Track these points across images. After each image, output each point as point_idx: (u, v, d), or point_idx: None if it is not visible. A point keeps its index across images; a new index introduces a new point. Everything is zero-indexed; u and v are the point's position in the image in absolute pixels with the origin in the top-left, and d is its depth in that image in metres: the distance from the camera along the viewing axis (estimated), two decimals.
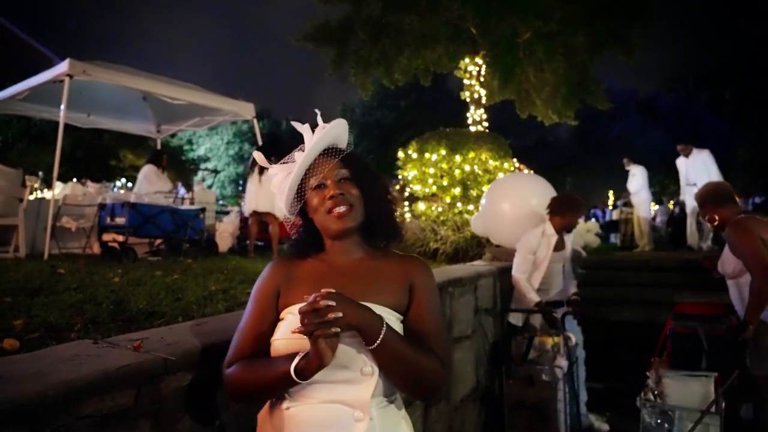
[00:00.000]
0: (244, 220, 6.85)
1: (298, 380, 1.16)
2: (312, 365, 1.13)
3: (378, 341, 1.18)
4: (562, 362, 3.53)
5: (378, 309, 1.29)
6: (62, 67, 5.78)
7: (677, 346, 2.93)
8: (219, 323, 1.86)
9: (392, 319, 1.33)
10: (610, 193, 31.68)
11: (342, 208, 1.34)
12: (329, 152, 1.40)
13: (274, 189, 1.44)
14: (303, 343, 1.18)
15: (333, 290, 1.15)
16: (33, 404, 1.08)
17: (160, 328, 1.84)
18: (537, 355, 3.63)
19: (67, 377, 1.18)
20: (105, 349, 1.45)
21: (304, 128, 1.41)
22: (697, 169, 7.70)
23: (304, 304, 1.12)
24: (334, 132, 1.41)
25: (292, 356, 1.18)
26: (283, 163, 1.43)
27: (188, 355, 1.47)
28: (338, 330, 1.11)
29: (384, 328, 1.19)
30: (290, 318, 1.30)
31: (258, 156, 1.53)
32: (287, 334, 1.26)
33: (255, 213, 6.29)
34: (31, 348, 1.78)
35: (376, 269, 1.41)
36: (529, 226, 4.19)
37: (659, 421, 2.78)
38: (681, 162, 8.24)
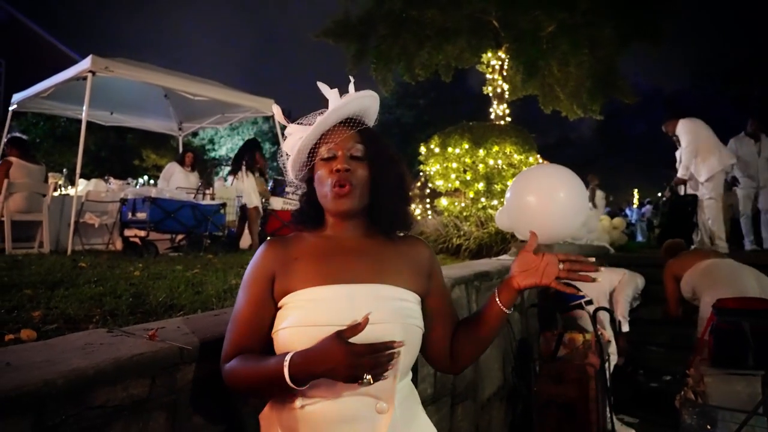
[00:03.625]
0: (264, 217, 6.83)
1: (293, 386, 1.06)
2: (318, 370, 1.04)
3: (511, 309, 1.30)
4: (594, 360, 3.38)
5: (398, 291, 1.23)
6: (85, 63, 5.81)
7: (720, 342, 2.76)
8: None
9: (413, 301, 1.26)
10: (635, 192, 31.16)
11: (345, 187, 1.24)
12: (349, 123, 1.29)
13: (285, 148, 1.35)
14: (312, 332, 1.10)
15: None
16: (41, 392, 1.01)
17: (176, 318, 1.78)
18: (567, 352, 3.49)
19: (77, 365, 1.12)
20: (119, 338, 1.39)
21: (331, 92, 1.31)
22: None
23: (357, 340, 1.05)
24: (360, 102, 1.31)
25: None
26: (301, 123, 1.33)
27: (205, 345, 1.40)
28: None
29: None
30: (300, 304, 1.18)
31: (276, 110, 1.47)
32: (296, 322, 1.15)
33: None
34: (48, 339, 1.74)
35: (386, 249, 1.31)
36: (558, 220, 4.03)
37: (701, 422, 2.62)
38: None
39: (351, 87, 1.30)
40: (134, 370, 1.21)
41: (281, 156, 1.37)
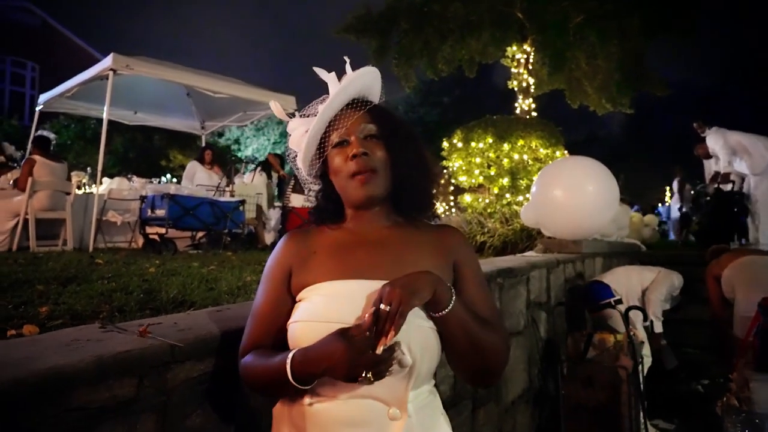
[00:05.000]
0: (285, 215, 6.78)
1: (296, 384, 1.00)
2: (317, 369, 0.98)
3: (448, 308, 1.03)
4: (627, 362, 3.19)
5: None
6: (106, 62, 5.86)
7: (767, 345, 2.56)
8: (241, 310, 1.69)
9: None
10: (667, 189, 30.29)
11: (366, 174, 1.14)
12: (355, 104, 1.19)
13: (292, 146, 1.26)
14: (320, 328, 1.02)
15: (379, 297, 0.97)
16: (11, 392, 0.92)
17: (176, 314, 1.69)
18: (597, 353, 3.31)
19: (55, 363, 1.02)
20: (109, 334, 1.29)
21: (329, 77, 1.21)
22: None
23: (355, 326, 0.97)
24: (362, 81, 1.20)
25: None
26: (303, 116, 1.23)
27: (200, 342, 1.30)
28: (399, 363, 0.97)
29: (454, 294, 1.05)
30: (313, 298, 1.10)
31: (274, 106, 1.35)
32: (306, 317, 1.08)
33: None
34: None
35: (410, 240, 1.20)
36: (586, 215, 3.86)
37: (746, 430, 2.43)
38: None
39: (348, 67, 1.20)
40: (119, 368, 1.11)
41: (288, 154, 1.29)
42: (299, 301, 1.14)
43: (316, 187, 1.31)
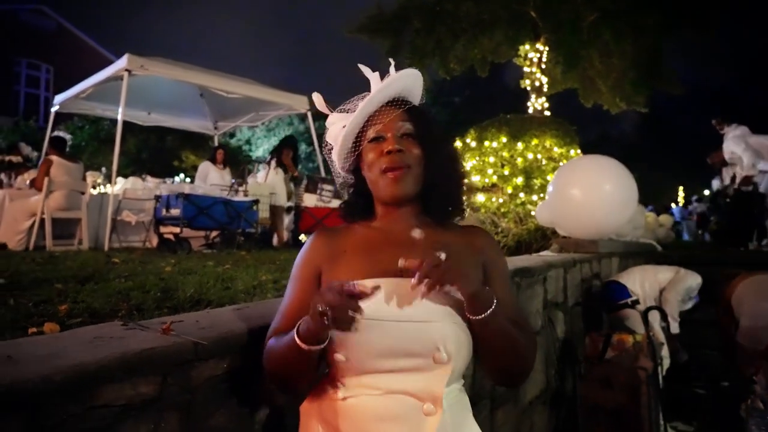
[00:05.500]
0: (297, 214, 6.79)
1: (303, 345, 1.01)
2: (309, 330, 1.01)
3: (489, 311, 1.02)
4: (646, 363, 3.14)
5: (446, 286, 1.08)
6: (121, 62, 5.90)
7: None
8: (261, 308, 1.68)
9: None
10: (680, 189, 29.99)
11: (399, 170, 1.15)
12: (395, 103, 1.21)
13: (329, 138, 1.27)
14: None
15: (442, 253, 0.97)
16: (36, 390, 0.91)
17: (197, 312, 1.68)
18: (616, 354, 3.26)
19: (80, 360, 1.01)
20: (132, 332, 1.29)
21: (372, 75, 1.23)
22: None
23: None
24: (404, 82, 1.22)
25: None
26: (342, 111, 1.25)
27: (223, 340, 1.28)
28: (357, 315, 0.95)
29: (495, 299, 1.04)
30: None
31: (317, 98, 1.31)
32: None
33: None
34: None
35: (439, 240, 1.18)
36: (603, 214, 3.81)
37: None
38: None
39: (392, 69, 1.22)
40: (143, 366, 1.10)
41: (325, 146, 1.30)
42: None
43: (347, 182, 1.32)
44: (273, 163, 6.75)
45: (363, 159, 1.22)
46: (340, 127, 1.23)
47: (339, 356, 1.06)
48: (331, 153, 1.29)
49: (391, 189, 1.16)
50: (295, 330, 1.04)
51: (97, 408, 1.02)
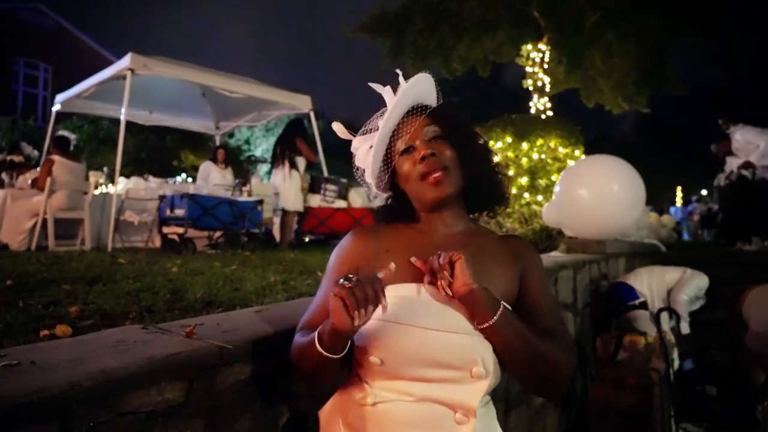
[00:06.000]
0: (301, 214, 6.74)
1: (320, 350, 1.00)
2: (326, 328, 0.99)
3: (494, 318, 1.00)
4: (659, 364, 3.12)
5: None
6: (124, 61, 5.85)
7: None
8: (281, 310, 1.66)
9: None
10: (678, 189, 30.05)
11: (438, 173, 1.13)
12: (415, 111, 1.19)
13: (358, 163, 1.26)
14: (395, 327, 1.03)
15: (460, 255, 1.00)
16: (66, 396, 0.88)
17: (216, 315, 1.66)
18: (627, 355, 3.24)
19: (107, 365, 0.99)
20: (154, 335, 1.26)
21: (384, 90, 1.21)
22: None
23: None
24: (418, 89, 1.20)
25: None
26: (364, 133, 1.23)
27: (248, 343, 1.26)
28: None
29: (501, 306, 1.02)
30: (388, 296, 1.05)
31: (338, 127, 1.28)
32: (379, 315, 1.04)
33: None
34: (83, 335, 1.65)
35: (482, 248, 1.17)
36: (611, 214, 3.79)
37: None
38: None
39: (401, 79, 1.21)
40: (170, 371, 1.08)
41: (356, 171, 1.28)
42: None
43: (384, 195, 1.31)
44: (287, 164, 6.33)
45: (398, 174, 1.21)
46: (366, 149, 1.22)
47: (374, 359, 1.04)
48: (364, 177, 1.27)
49: (434, 192, 1.15)
50: (316, 336, 1.02)
51: (124, 415, 1.00)
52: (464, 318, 1.03)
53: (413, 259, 1.08)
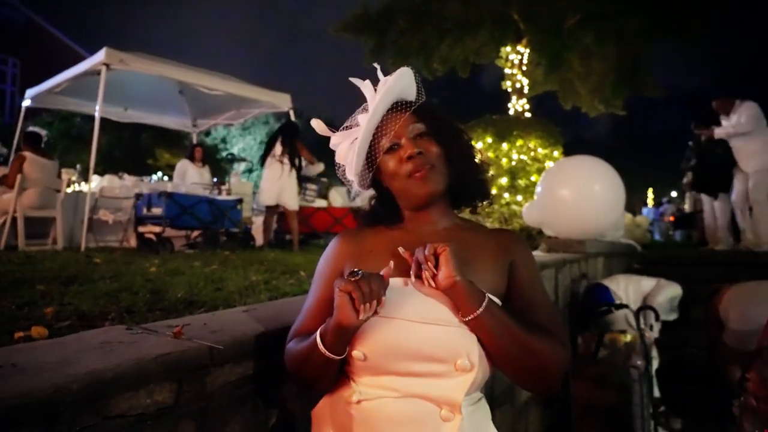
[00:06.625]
0: (281, 214, 6.66)
1: (323, 350, 1.01)
2: (329, 324, 1.00)
3: (479, 310, 0.99)
4: (639, 361, 3.17)
5: None
6: (99, 56, 5.71)
7: None
8: (269, 310, 1.64)
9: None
10: (650, 191, 30.79)
11: (423, 170, 1.12)
12: (398, 107, 1.18)
13: (339, 160, 1.23)
14: (387, 322, 1.02)
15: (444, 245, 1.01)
16: (52, 400, 0.85)
17: (202, 315, 1.62)
18: (608, 353, 3.28)
19: (94, 367, 0.96)
20: (140, 336, 1.23)
21: (365, 85, 1.19)
22: None
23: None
24: (401, 84, 1.18)
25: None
26: (345, 128, 1.20)
27: (237, 343, 1.24)
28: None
29: (486, 298, 1.01)
30: None
31: (317, 123, 1.24)
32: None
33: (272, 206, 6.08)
34: (60, 337, 1.59)
35: (468, 242, 1.16)
36: (593, 215, 3.84)
37: (765, 431, 2.41)
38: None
39: (379, 73, 1.19)
40: (160, 372, 1.05)
41: (337, 168, 1.26)
42: None
43: (368, 193, 1.29)
44: (285, 161, 5.97)
45: (382, 171, 1.19)
46: (348, 146, 1.20)
47: (357, 353, 1.03)
48: (345, 174, 1.24)
49: (421, 189, 1.13)
50: (318, 336, 1.02)
51: (112, 418, 0.97)
52: (448, 310, 1.02)
53: (400, 249, 1.07)
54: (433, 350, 1.00)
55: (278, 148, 6.05)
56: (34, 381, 0.86)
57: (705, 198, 7.04)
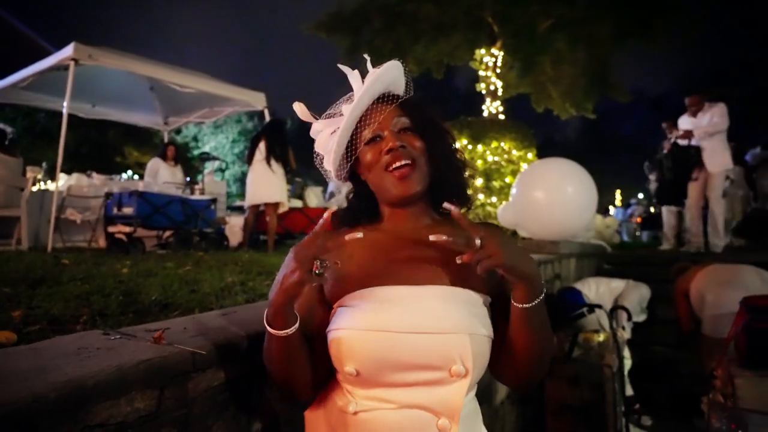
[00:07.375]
0: (257, 214, 6.56)
1: (270, 327, 1.01)
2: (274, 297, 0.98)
3: (539, 299, 0.98)
4: (612, 361, 3.23)
5: (466, 294, 1.07)
6: (67, 51, 5.53)
7: (754, 343, 2.63)
8: (248, 313, 1.60)
9: (482, 304, 1.08)
10: (617, 193, 31.53)
11: (403, 165, 1.08)
12: (385, 99, 1.14)
13: (318, 149, 1.19)
14: (376, 335, 0.98)
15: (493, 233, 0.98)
16: (30, 409, 0.82)
17: (180, 318, 1.58)
18: (581, 352, 3.34)
19: (72, 374, 0.92)
20: (118, 341, 1.19)
21: (353, 74, 1.15)
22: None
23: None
24: (389, 76, 1.14)
25: None
26: (328, 116, 1.17)
27: (219, 348, 1.21)
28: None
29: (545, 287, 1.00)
30: (361, 305, 1.03)
31: (299, 108, 1.19)
32: (357, 324, 1.01)
33: (254, 206, 5.91)
34: (31, 341, 1.52)
35: (464, 235, 1.12)
36: (567, 216, 3.91)
37: (732, 426, 2.49)
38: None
39: (368, 64, 1.15)
40: (141, 379, 1.02)
41: (316, 157, 1.22)
42: (339, 306, 1.07)
43: (346, 189, 1.26)
44: (272, 161, 5.78)
45: (361, 162, 1.15)
46: (328, 134, 1.16)
47: (349, 369, 1.00)
48: (322, 163, 1.21)
49: (400, 188, 1.10)
50: (264, 317, 1.02)
51: (92, 428, 0.93)
52: (437, 317, 0.99)
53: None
54: (427, 359, 0.98)
55: (262, 147, 5.89)
56: (9, 390, 0.83)
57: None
